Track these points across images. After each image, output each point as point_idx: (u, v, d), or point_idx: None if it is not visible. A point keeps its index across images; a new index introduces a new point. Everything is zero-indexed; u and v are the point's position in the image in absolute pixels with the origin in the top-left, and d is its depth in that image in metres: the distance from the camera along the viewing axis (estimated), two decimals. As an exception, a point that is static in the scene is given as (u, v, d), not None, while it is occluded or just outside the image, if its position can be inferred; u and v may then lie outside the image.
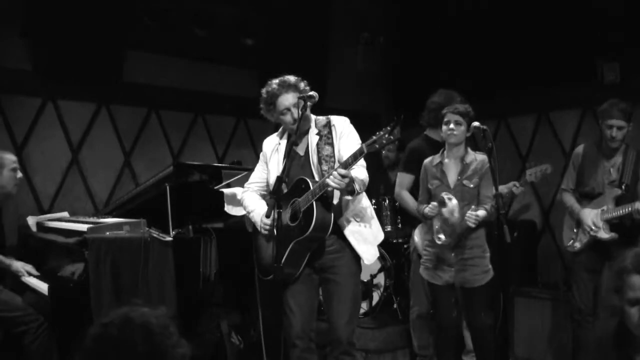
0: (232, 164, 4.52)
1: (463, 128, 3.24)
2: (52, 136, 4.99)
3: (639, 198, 3.45)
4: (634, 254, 1.97)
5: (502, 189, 3.86)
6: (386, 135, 2.57)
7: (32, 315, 3.30)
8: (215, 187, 3.96)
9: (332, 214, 2.84)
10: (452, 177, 3.32)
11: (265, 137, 3.23)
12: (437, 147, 3.56)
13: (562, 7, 4.85)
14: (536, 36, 5.04)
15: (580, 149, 3.82)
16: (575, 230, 3.70)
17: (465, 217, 3.12)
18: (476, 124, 3.19)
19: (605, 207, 3.55)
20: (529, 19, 5.08)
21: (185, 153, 5.67)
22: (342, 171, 2.65)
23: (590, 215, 3.58)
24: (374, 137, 2.60)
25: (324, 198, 2.80)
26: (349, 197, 2.87)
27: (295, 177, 2.93)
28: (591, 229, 3.55)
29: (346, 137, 2.94)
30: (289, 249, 2.86)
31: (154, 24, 5.06)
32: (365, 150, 2.62)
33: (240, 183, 4.10)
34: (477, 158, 3.30)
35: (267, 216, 2.87)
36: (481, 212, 3.15)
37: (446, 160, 3.36)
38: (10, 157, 3.64)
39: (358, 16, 6.38)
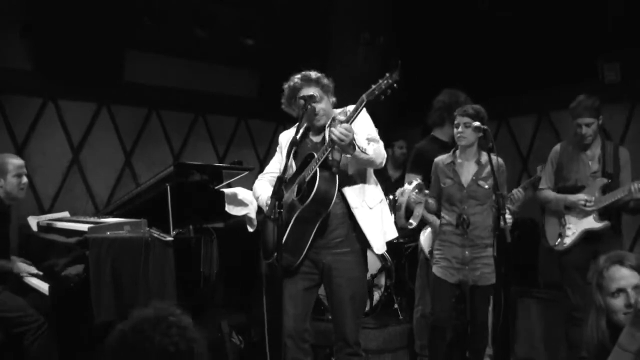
0: (233, 164, 4.52)
1: (472, 130, 3.25)
2: (53, 136, 5.00)
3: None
4: (607, 255, 2.14)
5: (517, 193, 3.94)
6: (385, 82, 2.57)
7: (32, 316, 3.28)
8: (216, 187, 3.96)
9: (336, 188, 2.75)
10: (466, 177, 3.35)
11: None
12: (444, 147, 3.56)
13: (563, 7, 4.85)
14: (537, 36, 5.03)
15: (557, 147, 3.84)
16: (562, 226, 3.67)
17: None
18: (476, 123, 3.20)
19: (593, 198, 3.54)
20: (529, 19, 5.08)
21: (185, 153, 5.68)
22: (346, 125, 2.59)
23: (581, 195, 3.55)
24: (373, 86, 2.61)
25: (328, 168, 2.75)
26: (348, 156, 2.73)
27: None
28: (586, 204, 3.50)
29: (360, 118, 2.86)
30: (290, 224, 2.78)
31: (154, 24, 5.07)
32: (366, 99, 2.62)
33: (241, 183, 4.11)
34: (493, 160, 3.22)
35: (267, 216, 2.80)
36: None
37: (459, 161, 3.39)
38: (15, 162, 3.56)
39: (358, 16, 6.37)
